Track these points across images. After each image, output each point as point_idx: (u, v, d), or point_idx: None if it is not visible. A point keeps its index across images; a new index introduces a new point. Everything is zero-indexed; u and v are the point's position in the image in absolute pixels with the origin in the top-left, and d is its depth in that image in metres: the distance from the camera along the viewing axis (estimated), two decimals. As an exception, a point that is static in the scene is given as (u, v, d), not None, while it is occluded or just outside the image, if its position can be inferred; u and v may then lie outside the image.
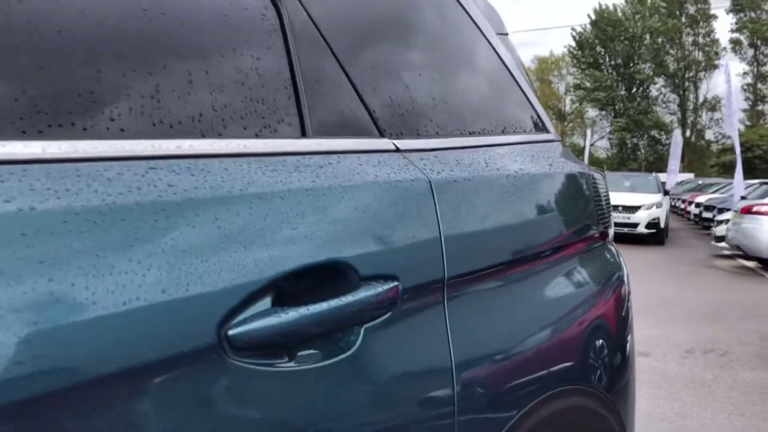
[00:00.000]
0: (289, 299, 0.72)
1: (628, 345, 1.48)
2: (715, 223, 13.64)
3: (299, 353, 0.72)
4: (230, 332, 0.65)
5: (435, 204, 0.95)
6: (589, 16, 52.19)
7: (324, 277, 0.77)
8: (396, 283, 0.84)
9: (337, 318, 0.76)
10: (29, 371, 0.51)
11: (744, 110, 49.31)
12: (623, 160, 49.90)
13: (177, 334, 0.61)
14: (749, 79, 49.92)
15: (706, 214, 17.00)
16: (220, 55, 0.80)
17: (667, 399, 4.07)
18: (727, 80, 12.62)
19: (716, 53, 50.63)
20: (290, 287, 0.73)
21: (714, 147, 49.17)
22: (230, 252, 0.67)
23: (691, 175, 38.81)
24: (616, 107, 51.46)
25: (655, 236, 14.23)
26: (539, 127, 1.51)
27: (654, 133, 50.69)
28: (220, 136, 0.76)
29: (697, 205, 19.12)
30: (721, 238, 12.56)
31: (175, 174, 0.67)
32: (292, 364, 0.71)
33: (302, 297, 0.73)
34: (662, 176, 19.10)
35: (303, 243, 0.75)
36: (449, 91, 1.20)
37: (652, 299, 7.25)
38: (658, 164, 41.12)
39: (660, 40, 50.17)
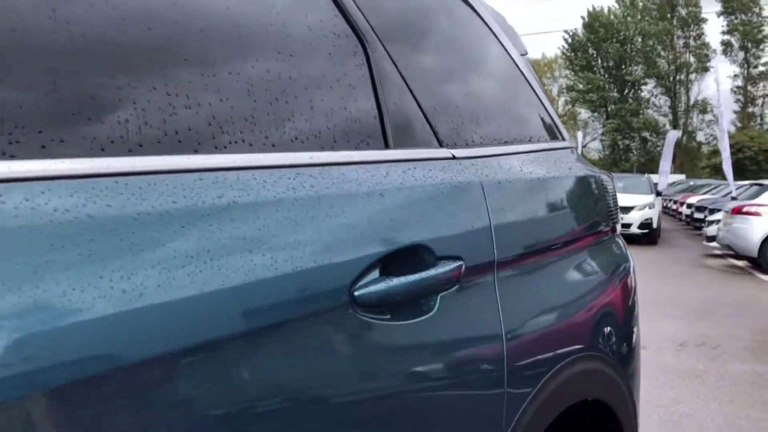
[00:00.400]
0: (390, 271, 0.96)
1: (634, 325, 1.73)
2: (707, 223, 13.94)
3: (396, 312, 0.96)
4: (356, 293, 0.89)
5: (485, 201, 1.19)
6: (582, 18, 52.57)
7: (411, 256, 1.01)
8: (461, 262, 1.07)
9: (422, 287, 1.00)
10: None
11: (735, 112, 49.83)
12: (615, 161, 50.32)
13: (326, 292, 0.85)
14: (740, 82, 50.49)
15: (697, 215, 17.30)
16: (332, 88, 1.04)
17: (663, 388, 4.32)
18: (717, 82, 12.91)
19: (707, 56, 51.12)
20: (390, 263, 0.96)
21: (705, 149, 49.62)
22: (355, 233, 0.91)
23: (682, 177, 39.22)
24: (608, 109, 51.90)
25: (648, 236, 14.52)
26: (557, 136, 1.76)
27: (646, 134, 51.11)
28: (332, 149, 1.00)
29: (689, 205, 19.42)
30: (712, 238, 12.86)
31: (313, 177, 0.91)
32: (392, 320, 0.95)
33: (398, 270, 0.97)
34: (654, 177, 19.39)
35: (399, 229, 0.99)
36: (488, 108, 1.45)
37: (646, 297, 7.50)
38: (650, 165, 41.50)
39: (651, 42, 50.64)
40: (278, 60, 0.98)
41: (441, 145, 1.22)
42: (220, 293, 0.72)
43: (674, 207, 23.18)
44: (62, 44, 0.71)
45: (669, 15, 51.04)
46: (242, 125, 0.87)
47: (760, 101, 50.29)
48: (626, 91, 52.25)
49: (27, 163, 0.64)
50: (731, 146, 14.97)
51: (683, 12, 51.43)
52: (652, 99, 52.93)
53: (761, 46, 49.45)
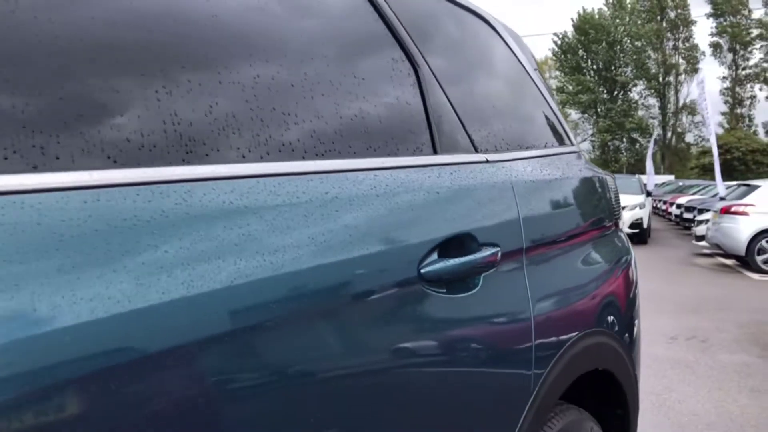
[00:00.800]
0: (445, 254, 1.18)
1: (635, 307, 1.97)
2: (696, 223, 14.25)
3: (450, 287, 1.19)
4: (422, 270, 1.11)
5: (515, 198, 1.42)
6: (572, 20, 53.02)
7: (460, 243, 1.23)
8: (498, 249, 1.30)
9: (469, 267, 1.22)
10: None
11: (723, 113, 50.40)
12: (606, 162, 50.78)
13: (401, 268, 1.08)
14: (728, 83, 51.08)
15: (686, 215, 17.62)
16: (393, 106, 1.26)
17: (656, 377, 4.57)
18: (701, 86, 13.13)
19: (695, 58, 51.67)
20: (445, 247, 1.19)
21: (694, 150, 50.14)
22: (420, 223, 1.14)
23: (671, 177, 39.71)
24: (599, 110, 52.34)
25: (639, 236, 14.81)
26: (566, 142, 1.99)
27: (635, 135, 51.59)
28: (396, 155, 1.22)
29: (678, 206, 19.75)
30: (701, 237, 13.16)
31: (386, 179, 1.13)
32: (447, 293, 1.17)
33: (451, 253, 1.19)
34: (643, 178, 19.71)
35: (450, 220, 1.22)
36: (511, 118, 1.68)
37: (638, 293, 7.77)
38: (639, 166, 41.90)
39: (640, 43, 51.10)
40: (356, 86, 1.20)
41: (476, 150, 1.44)
42: (334, 266, 0.95)
43: (664, 207, 23.55)
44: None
45: (658, 17, 51.54)
46: (337, 140, 1.10)
47: (747, 102, 50.92)
48: (616, 92, 52.71)
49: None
50: (719, 147, 15.25)
51: (672, 14, 51.96)
52: (642, 100, 53.50)
53: (749, 48, 50.07)
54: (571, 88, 52.24)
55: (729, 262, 11.78)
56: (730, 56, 50.83)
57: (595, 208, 1.95)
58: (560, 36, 53.14)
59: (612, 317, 1.74)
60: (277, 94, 1.04)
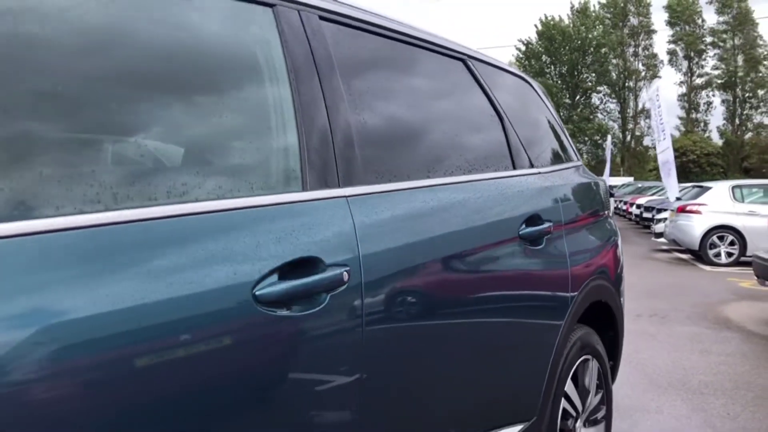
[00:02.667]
0: (532, 223, 2.15)
1: (621, 264, 2.97)
2: (655, 221, 15.52)
3: (534, 243, 2.16)
4: (520, 232, 2.07)
5: (558, 193, 2.40)
6: (535, 26, 54.60)
7: (533, 220, 2.20)
8: (551, 223, 2.27)
9: (537, 234, 2.20)
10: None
11: (680, 118, 52.58)
12: (568, 164, 52.17)
13: (508, 229, 2.04)
14: (684, 89, 53.26)
15: (646, 215, 18.90)
16: (491, 141, 2.24)
17: (627, 344, 5.51)
18: (657, 102, 13.80)
19: (655, 65, 53.71)
20: (529, 222, 2.16)
21: (652, 152, 52.09)
22: (518, 208, 2.12)
23: (631, 179, 41.40)
24: (561, 114, 53.91)
25: (603, 233, 15.94)
26: (574, 158, 2.98)
27: (597, 138, 53.38)
28: (486, 170, 2.19)
29: (638, 206, 20.99)
30: (660, 234, 14.40)
31: (498, 184, 2.10)
32: (519, 249, 2.14)
33: (530, 226, 2.17)
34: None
35: (525, 204, 2.19)
36: (546, 144, 2.67)
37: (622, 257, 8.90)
38: (600, 168, 43.51)
39: (603, 50, 52.73)
40: (476, 131, 2.17)
41: (533, 166, 2.42)
42: (475, 228, 1.92)
43: (624, 207, 24.87)
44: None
45: (621, 24, 53.27)
46: (463, 163, 2.06)
47: (703, 108, 53.15)
48: (578, 96, 54.38)
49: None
50: (675, 150, 16.07)
51: (635, 22, 53.84)
52: (602, 105, 55.39)
53: (703, 56, 52.29)
54: (534, 92, 53.44)
55: (685, 256, 13.01)
56: (685, 63, 53.00)
57: (593, 201, 2.94)
58: (524, 42, 54.64)
59: (608, 269, 2.73)
60: (445, 138, 2.00)
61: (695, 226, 12.13)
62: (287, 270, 1.28)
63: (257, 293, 1.21)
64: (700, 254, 12.09)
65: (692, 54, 52.20)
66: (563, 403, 2.33)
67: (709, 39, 51.75)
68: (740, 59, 50.38)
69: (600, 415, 2.65)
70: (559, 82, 54.03)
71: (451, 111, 2.11)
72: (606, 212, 3.02)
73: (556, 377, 2.25)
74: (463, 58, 2.24)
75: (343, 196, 1.46)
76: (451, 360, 1.75)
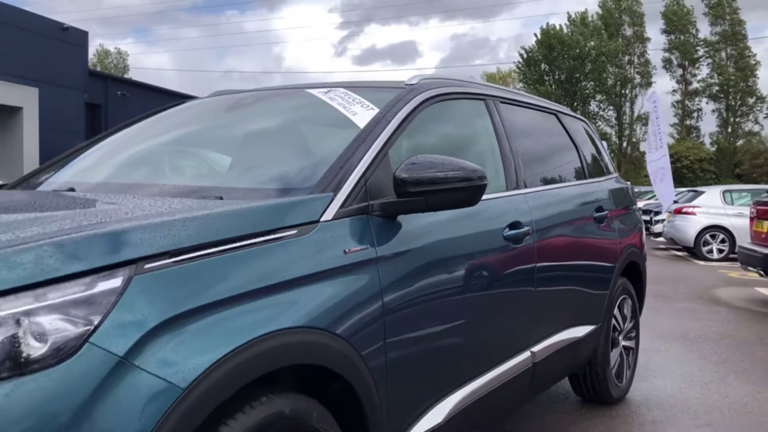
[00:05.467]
0: (600, 210, 3.67)
1: (644, 244, 4.48)
2: (654, 222, 17.09)
3: (600, 222, 3.67)
4: (595, 214, 3.60)
5: (608, 192, 3.92)
6: (535, 35, 56.15)
7: (600, 208, 3.71)
8: (608, 211, 3.77)
9: (600, 217, 3.72)
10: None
11: (674, 125, 54.14)
12: (567, 169, 53.47)
13: (583, 213, 3.58)
14: (678, 96, 54.84)
15: (644, 217, 20.41)
16: (572, 159, 3.76)
17: (636, 313, 7.13)
18: (656, 112, 14.60)
19: (649, 72, 55.33)
20: (598, 210, 3.68)
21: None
22: (585, 200, 3.65)
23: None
24: (560, 120, 55.09)
25: (606, 234, 17.43)
26: (613, 171, 4.49)
27: (595, 144, 54.55)
28: (573, 180, 3.70)
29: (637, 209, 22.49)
30: (658, 234, 15.97)
31: (567, 190, 3.61)
32: (593, 225, 3.66)
33: (599, 213, 3.68)
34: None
35: (594, 200, 3.70)
36: (598, 163, 4.19)
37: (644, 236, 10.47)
38: (599, 174, 44.76)
39: (602, 59, 53.99)
40: (567, 156, 3.68)
41: (591, 177, 3.93)
42: (563, 212, 3.45)
43: (623, 211, 26.28)
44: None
45: (616, 32, 54.67)
46: (563, 175, 3.57)
47: (695, 115, 54.75)
48: (576, 104, 55.77)
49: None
50: (670, 156, 16.60)
51: (630, 31, 55.36)
52: (600, 112, 56.78)
53: (697, 65, 53.93)
54: (533, 99, 54.72)
55: (681, 253, 14.58)
56: (679, 71, 54.58)
57: (626, 198, 4.44)
58: (526, 50, 56.11)
59: (637, 241, 4.24)
60: (556, 161, 3.52)
61: (690, 226, 13.69)
62: (511, 226, 2.72)
63: (504, 234, 2.69)
64: (694, 251, 13.65)
65: (686, 63, 53.72)
66: (613, 321, 3.84)
67: (701, 51, 53.31)
68: (731, 69, 52.01)
69: (632, 335, 4.17)
70: (557, 89, 55.05)
71: (555, 143, 3.63)
72: (634, 207, 4.53)
73: (610, 303, 3.76)
74: (555, 113, 3.77)
75: (522, 193, 2.97)
76: (570, 282, 3.25)
